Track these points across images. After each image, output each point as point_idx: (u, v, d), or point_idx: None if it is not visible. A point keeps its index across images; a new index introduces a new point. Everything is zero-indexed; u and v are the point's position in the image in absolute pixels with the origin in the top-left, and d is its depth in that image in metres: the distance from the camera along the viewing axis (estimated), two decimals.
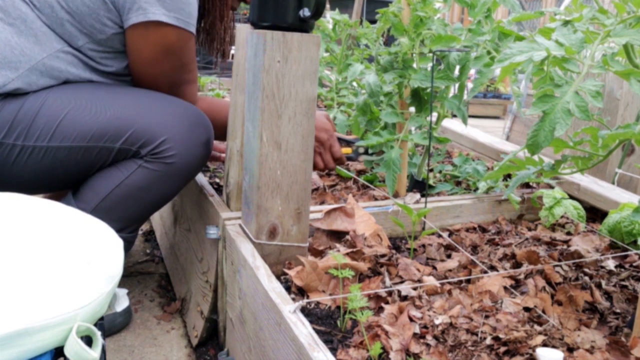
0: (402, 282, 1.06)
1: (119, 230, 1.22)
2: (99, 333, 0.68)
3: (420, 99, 1.43)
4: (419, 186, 1.49)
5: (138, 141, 1.18)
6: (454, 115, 1.50)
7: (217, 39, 1.50)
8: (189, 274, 1.42)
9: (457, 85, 1.41)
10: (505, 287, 1.04)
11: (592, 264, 1.15)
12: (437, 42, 1.35)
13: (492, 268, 1.12)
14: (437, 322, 0.90)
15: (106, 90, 1.24)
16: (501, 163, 1.16)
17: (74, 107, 1.17)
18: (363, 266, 1.07)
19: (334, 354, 0.81)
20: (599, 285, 1.07)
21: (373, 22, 1.66)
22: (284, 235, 1.08)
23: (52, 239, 0.78)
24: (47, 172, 1.19)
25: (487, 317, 0.93)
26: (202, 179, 1.45)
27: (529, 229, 1.37)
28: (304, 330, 0.79)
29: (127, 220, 1.24)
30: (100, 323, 0.73)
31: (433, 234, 1.27)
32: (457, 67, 1.38)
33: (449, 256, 1.20)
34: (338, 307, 0.98)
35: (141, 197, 1.22)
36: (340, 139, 1.54)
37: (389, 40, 2.08)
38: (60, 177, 1.21)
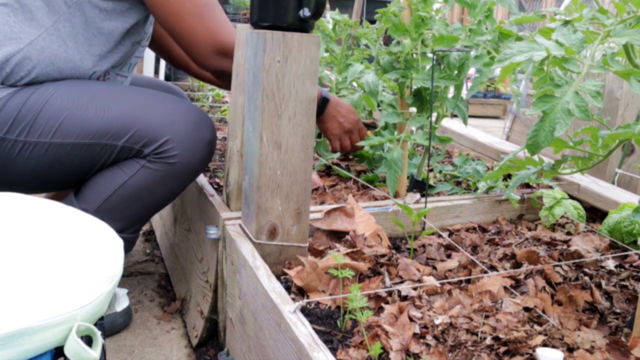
0: (402, 282, 1.06)
1: (121, 231, 1.22)
2: (99, 333, 0.68)
3: (423, 99, 1.43)
4: (419, 186, 1.49)
5: (141, 140, 1.17)
6: (454, 115, 1.50)
7: None
8: (189, 274, 1.42)
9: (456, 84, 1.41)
10: (505, 287, 1.04)
11: (592, 264, 1.15)
12: (439, 42, 1.35)
13: (492, 268, 1.12)
14: (437, 322, 0.90)
15: (110, 88, 1.24)
16: (501, 163, 1.16)
17: (77, 104, 1.17)
18: (363, 266, 1.07)
19: (334, 354, 0.81)
20: (599, 285, 1.07)
21: (373, 22, 1.66)
22: (284, 235, 1.08)
23: (52, 239, 0.78)
24: (49, 168, 1.19)
25: (487, 317, 0.93)
26: (202, 179, 1.45)
27: (529, 229, 1.37)
28: (304, 330, 0.79)
29: (129, 220, 1.24)
30: (100, 323, 0.73)
31: (433, 234, 1.27)
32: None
33: (449, 256, 1.20)
34: (338, 307, 0.98)
35: (144, 197, 1.22)
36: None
37: (388, 40, 2.08)
38: (62, 174, 1.21)
